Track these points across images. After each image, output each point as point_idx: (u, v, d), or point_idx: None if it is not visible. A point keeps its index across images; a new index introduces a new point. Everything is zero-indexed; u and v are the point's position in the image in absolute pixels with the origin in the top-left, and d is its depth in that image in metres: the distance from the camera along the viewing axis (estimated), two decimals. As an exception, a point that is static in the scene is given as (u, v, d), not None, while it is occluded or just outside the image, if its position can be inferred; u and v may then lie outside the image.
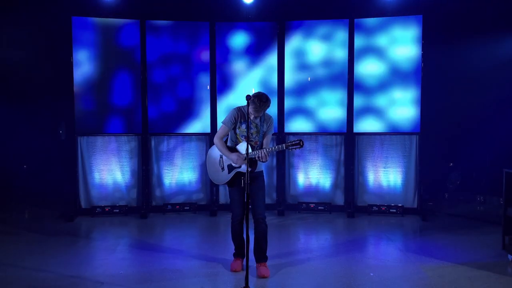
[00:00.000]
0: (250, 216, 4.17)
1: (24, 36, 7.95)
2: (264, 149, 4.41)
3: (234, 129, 4.65)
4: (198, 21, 7.40)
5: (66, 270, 4.79)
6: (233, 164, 4.59)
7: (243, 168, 4.49)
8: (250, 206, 4.65)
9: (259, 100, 4.40)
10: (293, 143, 4.35)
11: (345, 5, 7.29)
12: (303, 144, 4.34)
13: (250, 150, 4.34)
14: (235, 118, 4.60)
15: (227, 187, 4.84)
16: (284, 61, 7.40)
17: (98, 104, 7.22)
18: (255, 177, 4.63)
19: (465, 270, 4.79)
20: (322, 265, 5.00)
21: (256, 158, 4.46)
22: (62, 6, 7.08)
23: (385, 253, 5.49)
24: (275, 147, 4.46)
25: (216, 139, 4.69)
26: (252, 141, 4.58)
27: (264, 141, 4.65)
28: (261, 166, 4.76)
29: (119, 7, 7.15)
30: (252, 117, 4.50)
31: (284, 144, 4.43)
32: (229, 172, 4.64)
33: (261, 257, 4.73)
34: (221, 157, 4.70)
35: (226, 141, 4.74)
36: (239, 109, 4.64)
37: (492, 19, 7.68)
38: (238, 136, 4.66)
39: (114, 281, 4.52)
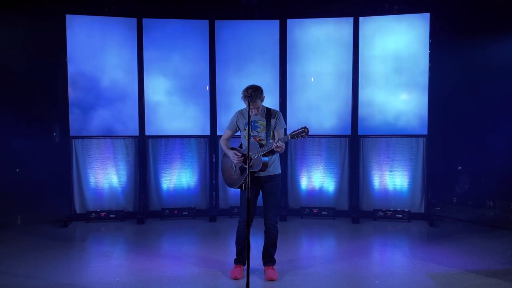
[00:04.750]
0: (255, 222, 4.11)
1: (17, 36, 7.85)
2: (272, 143, 4.35)
3: (242, 131, 4.73)
4: (195, 19, 7.24)
5: (60, 278, 4.69)
6: (244, 166, 4.58)
7: (254, 168, 4.47)
8: (262, 210, 4.74)
9: (250, 89, 4.40)
10: (298, 131, 4.28)
11: (350, 3, 7.16)
12: (308, 131, 4.26)
13: (257, 148, 4.44)
14: (236, 121, 4.72)
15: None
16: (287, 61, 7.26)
17: (93, 105, 7.04)
18: (268, 180, 4.63)
19: (473, 277, 4.69)
20: (325, 272, 4.91)
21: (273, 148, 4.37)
22: (56, 4, 6.98)
23: (391, 260, 5.37)
24: (282, 139, 4.37)
25: (220, 141, 4.83)
26: (262, 139, 4.58)
27: (276, 137, 4.58)
28: (278, 169, 4.70)
29: (115, 5, 7.06)
30: (253, 112, 4.51)
31: (288, 135, 4.35)
32: (241, 174, 4.61)
33: (269, 260, 4.78)
34: None
35: (241, 145, 4.80)
36: (239, 112, 4.77)
37: (502, 18, 7.55)
38: (246, 138, 4.64)
39: (109, 289, 4.43)
